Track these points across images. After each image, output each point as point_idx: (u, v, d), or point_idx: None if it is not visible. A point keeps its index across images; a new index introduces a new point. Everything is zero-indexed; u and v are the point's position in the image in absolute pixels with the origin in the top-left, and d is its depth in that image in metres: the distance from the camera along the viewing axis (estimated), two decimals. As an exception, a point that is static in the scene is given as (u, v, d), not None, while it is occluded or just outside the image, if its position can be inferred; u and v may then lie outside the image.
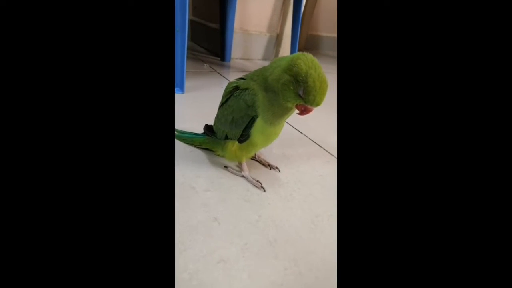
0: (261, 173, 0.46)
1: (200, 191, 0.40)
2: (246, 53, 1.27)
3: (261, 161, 0.49)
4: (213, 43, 1.24)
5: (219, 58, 1.18)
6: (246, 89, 0.38)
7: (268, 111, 0.37)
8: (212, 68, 1.03)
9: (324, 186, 0.46)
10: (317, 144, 0.60)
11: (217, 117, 0.45)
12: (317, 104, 0.34)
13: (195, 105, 0.70)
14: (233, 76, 0.99)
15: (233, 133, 0.41)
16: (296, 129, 0.66)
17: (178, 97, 0.73)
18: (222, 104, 0.43)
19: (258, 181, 0.43)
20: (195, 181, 0.42)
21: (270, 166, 0.48)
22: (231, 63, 1.17)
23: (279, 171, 0.47)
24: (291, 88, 0.33)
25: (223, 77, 0.96)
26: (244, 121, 0.38)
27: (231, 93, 0.41)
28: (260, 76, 0.37)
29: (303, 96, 0.33)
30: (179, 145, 0.51)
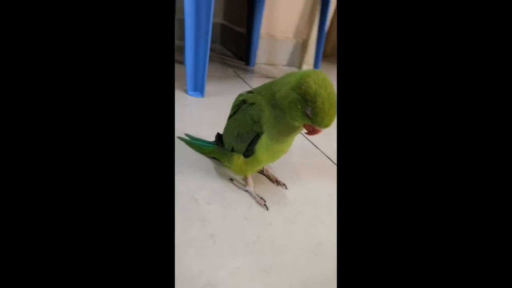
0: (267, 189, 0.44)
1: (202, 203, 0.39)
2: (271, 59, 1.26)
3: (269, 176, 0.47)
4: (240, 48, 1.24)
5: (244, 63, 1.18)
6: (253, 103, 0.36)
7: (274, 129, 0.35)
8: (236, 73, 1.03)
9: (332, 209, 0.43)
10: (330, 159, 0.57)
11: (225, 128, 0.44)
12: (326, 126, 0.31)
13: (213, 110, 0.70)
14: (255, 82, 0.98)
15: (239, 147, 0.40)
16: (310, 141, 0.63)
17: (197, 101, 0.73)
18: (230, 116, 0.42)
19: (262, 198, 0.41)
20: (198, 192, 0.41)
21: (277, 182, 0.46)
22: (255, 68, 1.16)
23: (286, 188, 0.45)
24: (299, 107, 0.31)
25: (245, 82, 0.95)
26: (249, 136, 0.37)
27: (239, 106, 0.39)
28: (269, 91, 0.35)
29: (311, 117, 0.31)
30: (188, 152, 0.50)
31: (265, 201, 0.41)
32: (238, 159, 0.40)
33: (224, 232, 0.35)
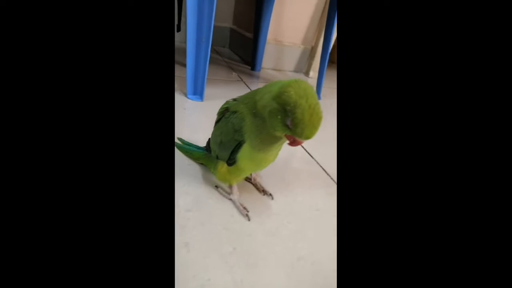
0: (252, 198, 0.43)
1: (182, 210, 0.39)
2: (278, 64, 1.25)
3: (256, 185, 0.46)
4: (247, 52, 1.24)
5: (249, 67, 1.18)
6: (235, 112, 0.36)
7: (256, 138, 0.34)
8: (239, 78, 1.03)
9: (318, 224, 0.41)
10: (324, 170, 0.55)
11: (211, 135, 0.43)
12: (306, 137, 0.30)
13: (211, 115, 0.69)
14: (258, 87, 0.97)
15: (222, 155, 0.39)
16: (305, 150, 0.61)
17: (196, 104, 0.73)
18: (215, 123, 0.41)
19: (245, 208, 0.40)
20: (181, 198, 0.41)
21: (264, 192, 0.45)
22: (260, 73, 1.16)
23: (272, 198, 0.44)
24: (279, 117, 0.30)
25: (248, 87, 0.95)
26: (231, 145, 0.36)
27: (223, 113, 0.39)
28: (251, 99, 0.34)
29: (291, 127, 0.29)
30: (178, 157, 0.50)
31: (247, 211, 0.40)
32: (222, 167, 0.40)
33: (199, 241, 0.34)
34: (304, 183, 0.50)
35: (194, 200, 0.41)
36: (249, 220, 0.39)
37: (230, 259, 0.33)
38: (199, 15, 0.67)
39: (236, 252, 0.34)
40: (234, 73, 1.07)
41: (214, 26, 1.49)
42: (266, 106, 0.31)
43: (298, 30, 1.19)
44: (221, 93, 0.84)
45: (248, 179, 0.47)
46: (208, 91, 0.78)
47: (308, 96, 0.29)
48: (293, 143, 0.32)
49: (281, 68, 1.26)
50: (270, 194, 0.44)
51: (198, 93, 0.75)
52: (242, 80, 1.01)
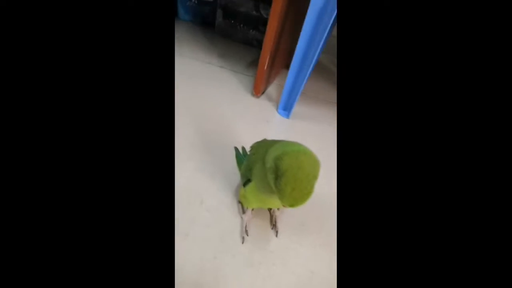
0: (261, 227, 0.48)
1: (203, 208, 0.49)
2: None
3: (271, 216, 0.50)
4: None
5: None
6: (253, 153, 0.40)
7: (260, 182, 0.38)
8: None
9: (301, 285, 0.41)
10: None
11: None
12: (286, 206, 0.32)
13: (289, 135, 0.75)
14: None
15: (242, 180, 0.45)
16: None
17: (280, 120, 0.80)
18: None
19: (246, 231, 0.45)
20: (208, 199, 0.50)
21: (274, 225, 0.48)
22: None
23: (276, 236, 0.47)
24: (272, 176, 0.33)
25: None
26: (244, 178, 0.41)
27: (252, 149, 0.44)
28: (266, 148, 0.38)
29: (278, 192, 0.32)
30: (231, 161, 0.60)
31: (247, 235, 0.45)
32: (242, 189, 0.46)
33: (196, 237, 0.43)
34: (317, 237, 0.49)
35: (216, 205, 0.50)
36: (242, 242, 0.44)
37: (207, 264, 0.40)
38: (314, 31, 0.68)
39: (216, 261, 0.41)
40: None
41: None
42: (267, 162, 0.34)
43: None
44: (311, 115, 0.86)
45: (269, 209, 0.51)
46: (299, 108, 0.82)
47: (300, 169, 0.30)
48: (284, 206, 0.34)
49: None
50: (277, 231, 0.47)
51: (287, 109, 0.81)
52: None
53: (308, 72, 0.73)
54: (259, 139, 0.71)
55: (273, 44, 0.75)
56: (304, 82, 0.74)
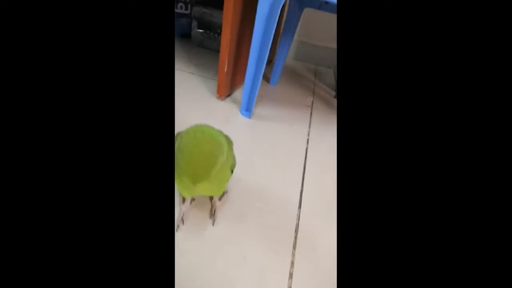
0: (199, 217, 0.49)
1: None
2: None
3: (211, 206, 0.50)
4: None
5: (334, 94, 1.12)
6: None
7: (177, 166, 0.39)
8: (311, 104, 1.02)
9: (231, 269, 0.41)
10: (296, 234, 0.51)
11: None
12: (191, 182, 0.33)
13: (252, 134, 0.77)
14: (329, 120, 0.93)
15: None
16: (301, 193, 0.57)
17: (242, 121, 0.82)
18: None
19: (182, 219, 0.46)
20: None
21: (212, 215, 0.49)
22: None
23: (213, 225, 0.47)
24: (177, 156, 0.34)
25: (310, 118, 0.93)
26: None
27: None
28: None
29: (179, 169, 0.34)
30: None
31: (182, 223, 0.46)
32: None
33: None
34: (257, 228, 0.49)
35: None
36: (176, 230, 0.45)
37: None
38: (264, 36, 0.72)
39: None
40: (309, 97, 1.06)
41: (324, 47, 1.49)
42: (175, 143, 0.36)
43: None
44: (275, 115, 0.88)
45: (210, 199, 0.52)
46: (265, 110, 0.85)
47: (195, 146, 0.32)
48: None
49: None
50: (214, 220, 0.48)
51: (249, 109, 0.83)
52: (311, 106, 0.99)
53: (262, 73, 0.76)
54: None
55: (229, 48, 0.78)
56: (259, 83, 0.77)
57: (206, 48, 1.31)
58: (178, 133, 0.43)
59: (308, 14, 1.29)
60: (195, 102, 0.86)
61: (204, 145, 0.32)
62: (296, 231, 0.50)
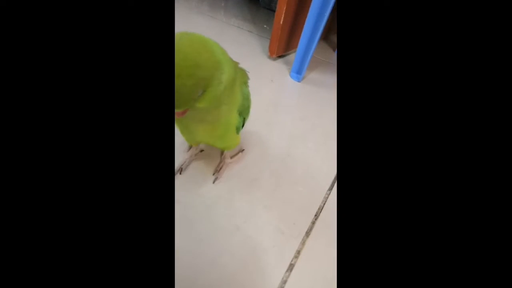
0: (201, 169, 0.41)
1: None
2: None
3: (220, 161, 0.42)
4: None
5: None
6: None
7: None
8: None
9: (222, 237, 0.33)
10: (316, 216, 0.39)
11: None
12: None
13: (299, 99, 0.65)
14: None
15: None
16: (338, 169, 0.44)
17: (291, 83, 0.70)
18: None
19: (180, 169, 0.40)
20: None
21: (216, 171, 0.41)
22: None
23: (213, 182, 0.39)
24: None
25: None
26: None
27: None
28: None
29: None
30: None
31: (179, 173, 0.39)
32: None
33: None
34: (267, 197, 0.39)
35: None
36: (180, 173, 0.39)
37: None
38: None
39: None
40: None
41: None
42: None
43: None
44: (324, 80, 0.73)
45: (222, 153, 0.44)
46: (315, 75, 0.72)
47: (177, 52, 0.23)
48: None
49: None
50: (216, 178, 0.40)
51: (300, 72, 0.70)
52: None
53: (318, 35, 0.62)
54: (265, 99, 0.64)
55: (287, 3, 0.66)
56: (315, 45, 0.64)
57: (273, 10, 1.20)
58: None
59: None
60: (243, 58, 0.78)
61: (188, 52, 0.23)
62: (317, 215, 0.38)
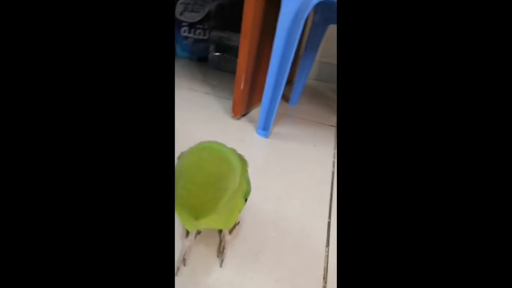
0: (205, 253, 0.40)
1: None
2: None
3: (220, 242, 0.41)
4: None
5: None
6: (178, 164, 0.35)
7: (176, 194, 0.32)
8: (336, 124, 0.93)
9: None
10: (325, 280, 0.40)
11: None
12: (193, 218, 0.25)
13: (270, 154, 0.69)
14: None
15: None
16: (328, 227, 0.47)
17: (258, 140, 0.74)
18: None
19: (184, 259, 0.38)
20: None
21: (221, 253, 0.40)
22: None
23: (221, 266, 0.38)
24: (179, 182, 0.27)
25: (336, 138, 0.84)
26: None
27: None
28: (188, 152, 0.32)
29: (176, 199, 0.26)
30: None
31: (184, 264, 0.37)
32: (179, 207, 0.39)
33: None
34: (277, 269, 0.39)
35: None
36: (175, 274, 0.36)
37: None
38: (284, 49, 0.67)
39: None
40: (334, 116, 0.97)
41: (322, 62, 1.45)
42: (177, 164, 0.29)
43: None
44: (295, 135, 0.80)
45: (220, 232, 0.43)
46: (285, 129, 0.78)
47: (199, 168, 0.24)
48: None
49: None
50: (222, 260, 0.39)
51: (266, 129, 0.76)
52: (335, 126, 0.90)
53: (281, 92, 0.70)
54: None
55: (246, 64, 0.73)
56: (278, 101, 0.71)
57: (223, 70, 1.29)
58: (182, 153, 0.36)
59: (332, 32, 1.24)
60: (208, 121, 0.81)
61: (211, 167, 0.24)
62: (325, 276, 0.40)
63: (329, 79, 1.41)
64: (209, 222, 0.34)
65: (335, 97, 1.21)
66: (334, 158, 0.71)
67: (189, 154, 0.26)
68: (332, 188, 0.59)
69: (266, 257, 0.41)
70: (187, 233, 0.41)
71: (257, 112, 0.91)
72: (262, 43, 0.78)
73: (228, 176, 0.25)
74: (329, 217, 0.51)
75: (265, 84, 0.72)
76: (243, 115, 0.87)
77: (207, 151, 0.26)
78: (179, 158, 0.37)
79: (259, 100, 0.93)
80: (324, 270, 0.41)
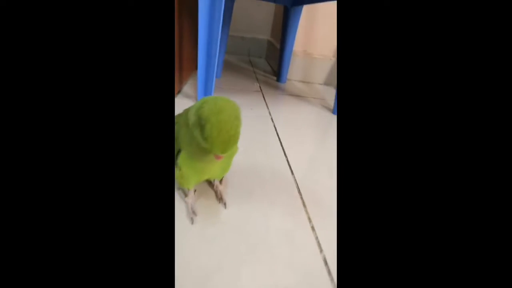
0: (207, 204, 0.45)
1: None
2: (307, 77, 1.23)
3: (216, 192, 0.48)
4: (276, 64, 1.27)
5: (275, 78, 1.20)
6: (176, 122, 0.39)
7: (190, 147, 0.36)
8: (260, 88, 1.06)
9: (260, 243, 0.41)
10: (299, 191, 0.54)
11: None
12: (217, 152, 0.31)
13: None
14: (278, 98, 0.98)
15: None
16: (288, 161, 0.60)
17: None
18: None
19: (193, 212, 0.42)
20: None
21: (220, 199, 0.46)
22: (285, 85, 1.17)
23: (225, 207, 0.45)
24: (198, 130, 0.32)
25: (263, 98, 0.97)
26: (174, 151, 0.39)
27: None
28: (186, 111, 0.37)
29: (205, 141, 0.31)
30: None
31: (195, 215, 0.42)
32: (177, 167, 0.43)
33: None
34: (268, 198, 0.50)
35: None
36: (192, 223, 0.41)
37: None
38: (210, 26, 0.72)
39: (164, 250, 0.36)
40: (256, 83, 1.10)
41: (253, 38, 1.57)
42: (190, 118, 0.33)
43: (329, 42, 1.16)
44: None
45: (210, 184, 0.49)
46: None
47: (221, 111, 0.30)
48: (216, 156, 0.33)
49: (310, 81, 1.24)
50: (225, 203, 0.46)
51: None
52: (261, 91, 1.03)
53: (215, 60, 0.75)
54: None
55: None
56: (214, 73, 0.76)
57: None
58: (184, 110, 0.40)
59: (238, 6, 1.32)
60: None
61: (229, 109, 0.31)
62: (300, 192, 0.53)
63: (238, 51, 1.52)
64: (216, 169, 0.40)
65: (250, 67, 1.33)
66: (271, 115, 0.85)
67: (206, 104, 0.31)
68: (279, 136, 0.72)
69: (256, 193, 0.50)
70: (185, 193, 0.46)
71: (190, 88, 0.93)
72: (181, 18, 0.80)
73: (238, 116, 0.33)
74: (285, 155, 0.64)
75: (193, 63, 0.76)
76: (178, 92, 0.88)
77: (219, 99, 0.32)
78: (180, 115, 0.40)
79: (188, 75, 0.95)
80: (298, 189, 0.53)
